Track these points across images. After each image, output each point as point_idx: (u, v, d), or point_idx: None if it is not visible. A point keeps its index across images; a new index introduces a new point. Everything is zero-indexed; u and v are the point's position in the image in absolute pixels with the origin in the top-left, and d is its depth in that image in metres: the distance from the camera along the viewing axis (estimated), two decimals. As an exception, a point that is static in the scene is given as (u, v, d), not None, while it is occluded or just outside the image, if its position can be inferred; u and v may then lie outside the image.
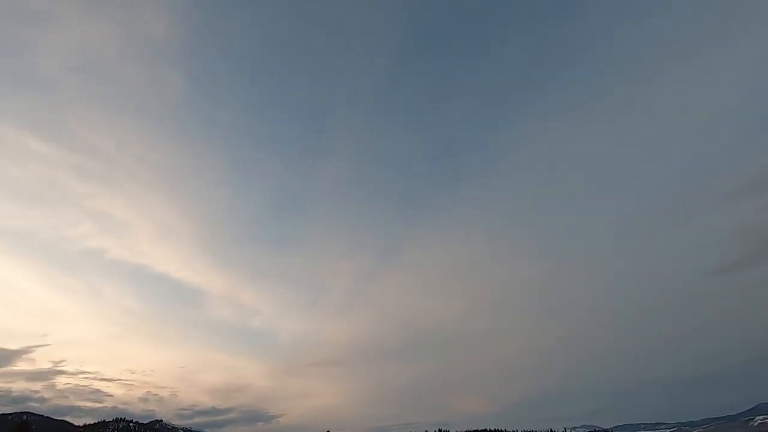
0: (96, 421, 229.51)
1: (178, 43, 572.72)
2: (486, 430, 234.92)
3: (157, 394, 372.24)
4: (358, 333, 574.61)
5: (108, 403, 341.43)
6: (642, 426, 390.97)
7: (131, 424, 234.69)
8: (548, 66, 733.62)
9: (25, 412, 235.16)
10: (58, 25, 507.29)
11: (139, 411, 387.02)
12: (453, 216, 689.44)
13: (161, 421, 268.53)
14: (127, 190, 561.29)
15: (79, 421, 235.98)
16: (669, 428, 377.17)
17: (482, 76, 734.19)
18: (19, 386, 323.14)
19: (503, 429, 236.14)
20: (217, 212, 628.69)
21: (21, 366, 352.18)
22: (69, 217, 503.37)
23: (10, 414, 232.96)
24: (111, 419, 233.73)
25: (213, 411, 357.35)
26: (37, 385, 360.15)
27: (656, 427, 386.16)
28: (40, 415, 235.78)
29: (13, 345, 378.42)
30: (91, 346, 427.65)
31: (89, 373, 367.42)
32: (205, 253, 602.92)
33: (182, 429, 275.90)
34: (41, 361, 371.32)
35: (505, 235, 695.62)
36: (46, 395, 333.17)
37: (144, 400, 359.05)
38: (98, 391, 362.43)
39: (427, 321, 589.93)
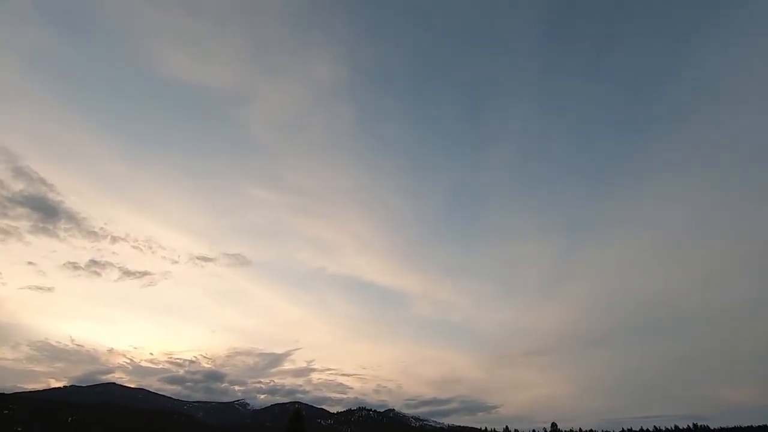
0: (345, 410, 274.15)
1: (343, 81, 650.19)
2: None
3: (385, 387, 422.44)
4: (564, 319, 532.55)
5: (350, 395, 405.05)
6: None
7: (371, 412, 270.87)
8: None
9: (296, 402, 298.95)
10: (260, 98, 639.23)
11: (374, 401, 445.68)
12: (656, 177, 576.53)
13: (393, 409, 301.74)
14: (330, 215, 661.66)
15: (333, 409, 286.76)
16: None
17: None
18: (288, 381, 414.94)
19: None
20: (403, 219, 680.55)
21: (287, 366, 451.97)
22: (294, 246, 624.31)
23: (287, 403, 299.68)
24: (355, 408, 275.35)
25: (435, 401, 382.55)
26: (300, 380, 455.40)
27: None
28: (305, 403, 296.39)
29: (278, 350, 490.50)
30: (329, 348, 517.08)
31: (332, 369, 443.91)
32: (400, 258, 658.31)
33: (412, 417, 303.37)
34: (299, 361, 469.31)
35: (733, 186, 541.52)
36: (307, 388, 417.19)
37: (377, 391, 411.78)
38: (341, 384, 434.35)
39: (646, 299, 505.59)
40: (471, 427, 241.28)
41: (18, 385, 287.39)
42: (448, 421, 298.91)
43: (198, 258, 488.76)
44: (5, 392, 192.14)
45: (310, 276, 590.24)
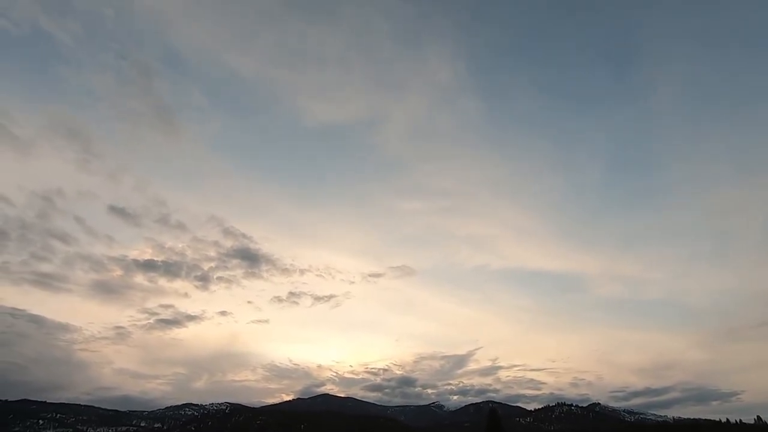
0: (542, 406, 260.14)
1: (462, 75, 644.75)
2: None
3: (583, 379, 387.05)
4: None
5: (545, 390, 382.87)
6: None
7: (573, 407, 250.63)
8: None
9: (489, 401, 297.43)
10: (390, 117, 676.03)
11: (573, 395, 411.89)
12: None
13: (599, 403, 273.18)
14: (480, 210, 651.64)
15: (529, 406, 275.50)
16: None
17: None
18: (477, 381, 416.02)
19: None
20: (559, 197, 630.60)
21: (472, 366, 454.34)
22: (451, 247, 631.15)
23: (480, 402, 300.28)
24: (554, 404, 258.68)
25: (648, 391, 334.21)
26: (488, 379, 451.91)
27: None
28: (498, 402, 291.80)
29: (460, 351, 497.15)
30: (509, 343, 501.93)
31: (519, 365, 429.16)
32: (565, 239, 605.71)
33: (624, 411, 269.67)
34: (483, 360, 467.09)
35: None
36: (497, 386, 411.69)
37: (574, 384, 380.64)
38: (532, 380, 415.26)
39: None
40: (707, 419, 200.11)
41: (261, 400, 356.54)
42: (670, 413, 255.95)
43: (370, 275, 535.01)
44: (255, 406, 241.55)
45: (474, 274, 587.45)
